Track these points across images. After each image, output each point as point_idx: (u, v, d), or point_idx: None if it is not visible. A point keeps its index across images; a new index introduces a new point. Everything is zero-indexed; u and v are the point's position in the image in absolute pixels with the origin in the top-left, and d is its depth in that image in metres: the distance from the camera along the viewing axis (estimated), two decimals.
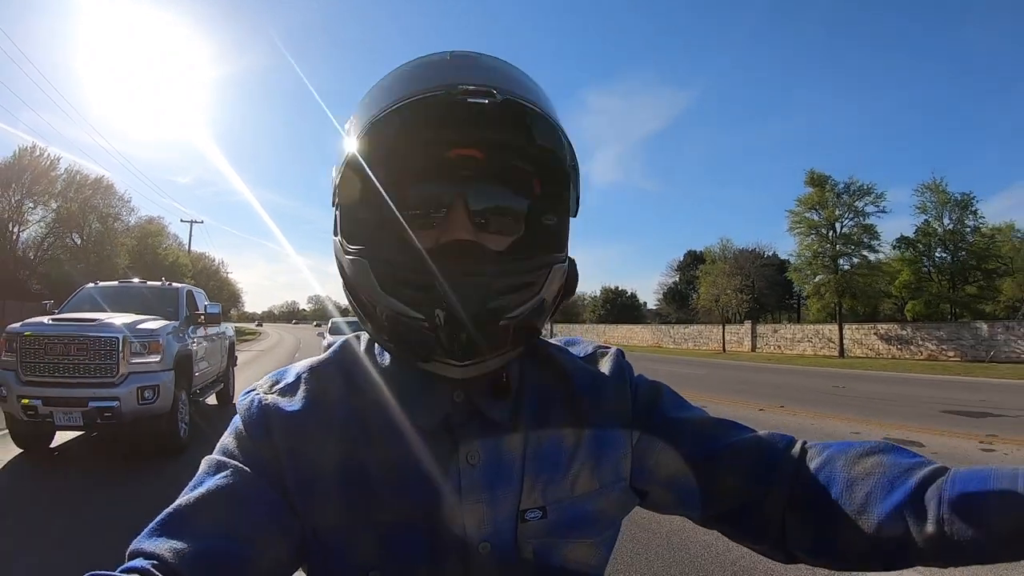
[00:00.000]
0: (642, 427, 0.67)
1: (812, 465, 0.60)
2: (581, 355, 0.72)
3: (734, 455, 0.63)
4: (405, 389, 0.61)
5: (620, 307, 51.67)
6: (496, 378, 0.61)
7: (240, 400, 0.63)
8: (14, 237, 21.75)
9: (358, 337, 0.68)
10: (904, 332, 25.04)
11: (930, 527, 0.50)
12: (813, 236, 27.47)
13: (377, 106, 0.56)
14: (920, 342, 24.16)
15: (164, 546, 0.49)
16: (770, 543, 0.61)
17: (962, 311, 26.21)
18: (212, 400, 8.49)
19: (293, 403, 0.60)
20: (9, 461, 5.38)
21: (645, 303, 54.33)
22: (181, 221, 49.38)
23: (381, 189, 0.58)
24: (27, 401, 5.26)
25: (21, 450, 5.61)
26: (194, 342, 6.92)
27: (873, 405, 10.22)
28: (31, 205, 22.47)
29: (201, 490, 0.54)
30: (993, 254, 27.08)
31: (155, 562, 0.47)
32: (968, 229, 27.20)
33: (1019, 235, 27.15)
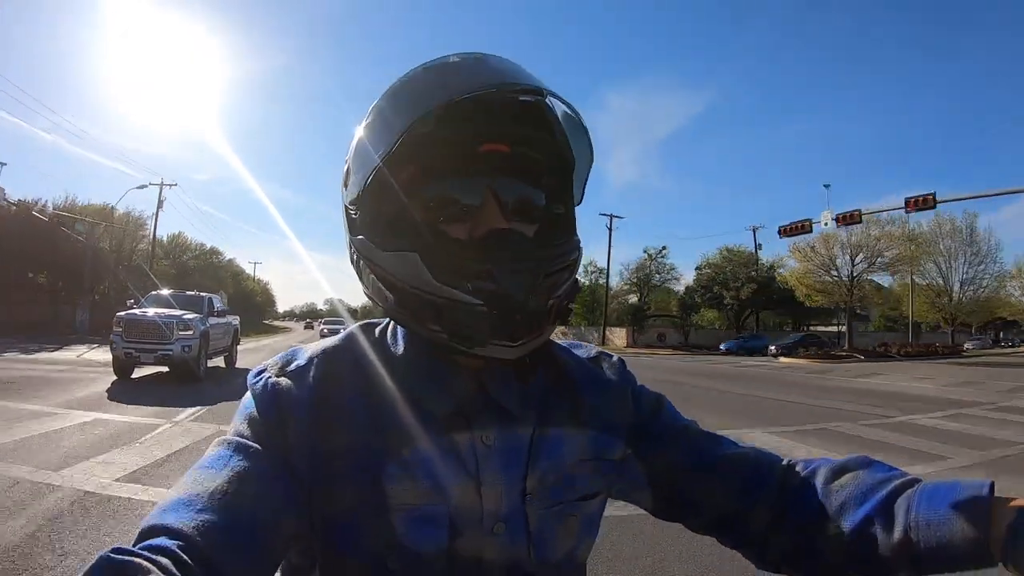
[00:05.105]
0: (641, 434, 0.69)
1: (795, 481, 0.64)
2: (585, 357, 0.73)
3: (726, 468, 0.67)
4: (418, 376, 0.60)
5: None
6: (519, 361, 0.61)
7: (251, 380, 0.61)
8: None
9: (367, 327, 0.68)
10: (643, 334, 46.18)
11: (897, 535, 0.53)
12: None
13: (416, 105, 0.54)
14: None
15: (184, 523, 0.48)
16: (754, 551, 0.66)
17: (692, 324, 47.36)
18: (221, 363, 14.06)
19: (305, 386, 0.59)
20: (113, 382, 10.71)
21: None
22: (249, 262, 76.43)
23: (420, 187, 0.58)
24: (127, 348, 10.81)
25: (116, 377, 10.95)
26: (210, 326, 12.46)
27: None
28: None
29: (217, 469, 0.53)
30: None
31: (179, 542, 0.46)
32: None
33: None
